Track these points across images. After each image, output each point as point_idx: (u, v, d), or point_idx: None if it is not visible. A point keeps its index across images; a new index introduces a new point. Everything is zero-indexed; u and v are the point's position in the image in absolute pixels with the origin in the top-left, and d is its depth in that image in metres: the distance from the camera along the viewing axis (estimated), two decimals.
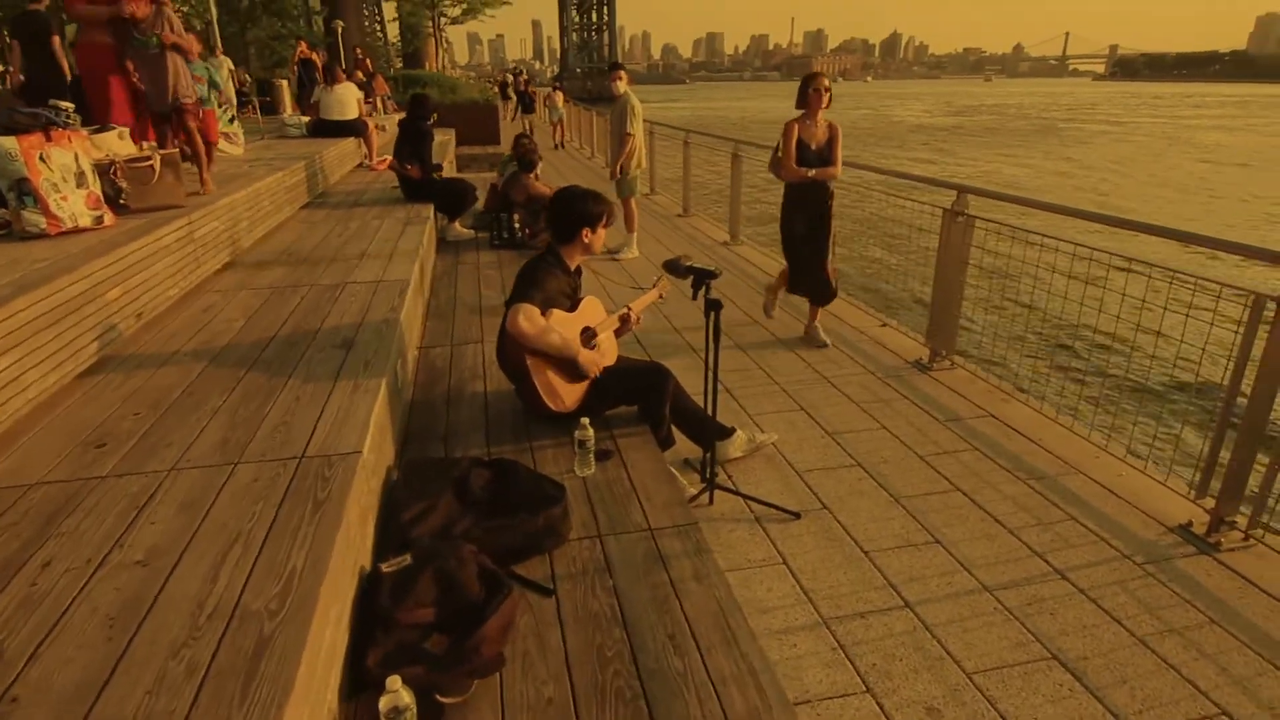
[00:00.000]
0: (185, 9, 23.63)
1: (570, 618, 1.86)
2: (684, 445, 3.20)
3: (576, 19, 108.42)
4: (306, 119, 8.63)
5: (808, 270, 4.68)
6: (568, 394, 2.75)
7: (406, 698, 1.44)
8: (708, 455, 2.98)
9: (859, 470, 3.28)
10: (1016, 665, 2.19)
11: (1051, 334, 7.12)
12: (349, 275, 3.72)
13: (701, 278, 2.73)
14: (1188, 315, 2.86)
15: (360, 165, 8.39)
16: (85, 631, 1.36)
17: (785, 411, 3.85)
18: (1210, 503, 2.83)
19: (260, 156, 6.48)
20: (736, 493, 3.04)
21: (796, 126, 4.46)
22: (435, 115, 6.18)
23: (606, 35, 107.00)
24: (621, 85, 6.57)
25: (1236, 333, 2.68)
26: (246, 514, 1.71)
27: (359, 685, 1.55)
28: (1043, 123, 48.19)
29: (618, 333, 3.08)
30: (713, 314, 2.74)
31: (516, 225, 6.01)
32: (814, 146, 4.45)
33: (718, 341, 2.78)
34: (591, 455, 2.52)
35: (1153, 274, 3.06)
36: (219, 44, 15.62)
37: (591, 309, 2.96)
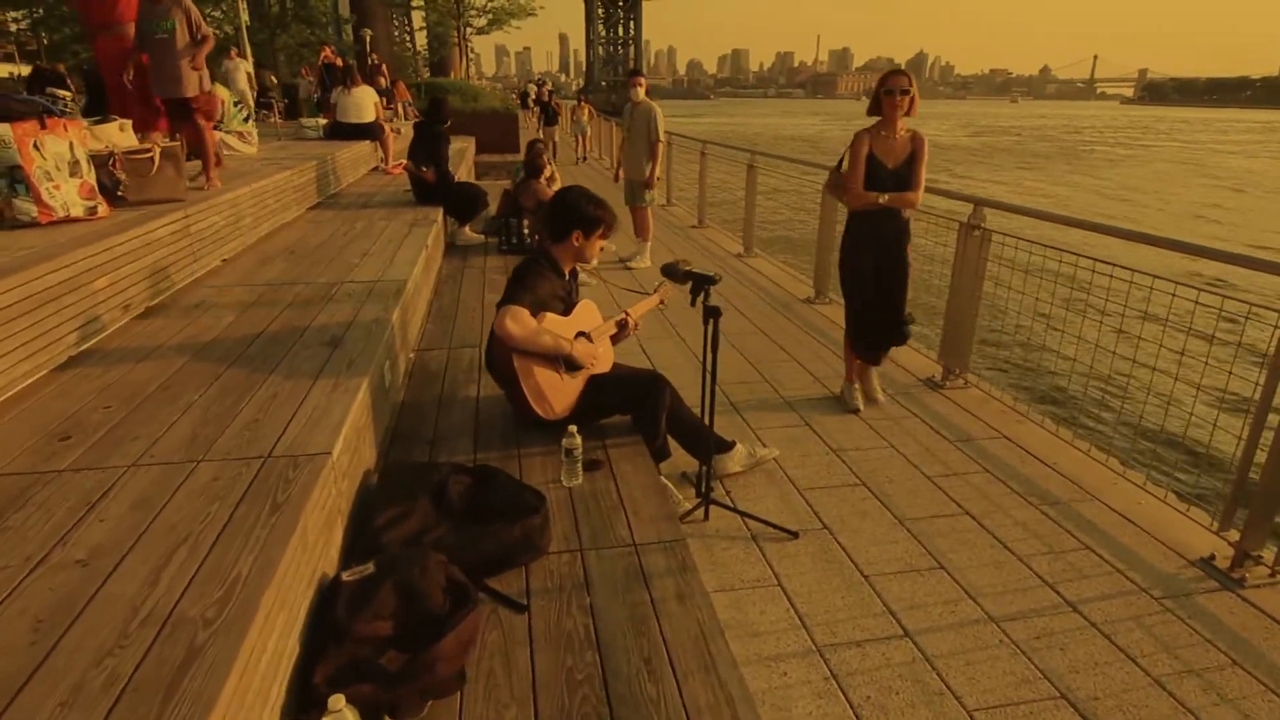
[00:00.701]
0: (217, 14, 24.03)
1: (541, 637, 1.75)
2: (682, 458, 3.09)
3: (603, 33, 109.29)
4: (324, 121, 8.66)
5: (875, 315, 3.73)
6: (557, 400, 2.65)
7: (351, 718, 1.34)
8: (704, 469, 2.86)
9: (863, 490, 3.14)
10: (1022, 704, 2.04)
11: (1069, 352, 6.92)
12: (347, 274, 3.66)
13: (700, 283, 2.62)
14: (1214, 334, 2.71)
15: (375, 169, 8.39)
16: (9, 635, 1.27)
17: (789, 427, 3.72)
18: (1235, 535, 2.66)
19: (273, 156, 6.48)
20: (733, 509, 2.92)
21: (868, 139, 3.54)
22: (451, 120, 6.14)
23: (632, 49, 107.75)
24: (641, 92, 6.51)
25: (1266, 353, 2.53)
26: (200, 514, 1.62)
27: (305, 703, 1.45)
28: (1063, 145, 47.65)
29: (615, 339, 2.98)
30: (711, 321, 2.63)
31: (526, 231, 5.94)
32: (890, 164, 3.52)
33: (716, 349, 2.67)
34: (579, 465, 2.42)
35: (1177, 291, 2.91)
36: (247, 48, 15.84)
37: (587, 313, 2.86)
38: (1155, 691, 2.08)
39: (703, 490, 2.87)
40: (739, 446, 3.20)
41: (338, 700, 1.33)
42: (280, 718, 1.40)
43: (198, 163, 4.33)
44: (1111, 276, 3.20)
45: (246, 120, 6.74)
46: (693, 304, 2.68)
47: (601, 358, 2.85)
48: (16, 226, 2.90)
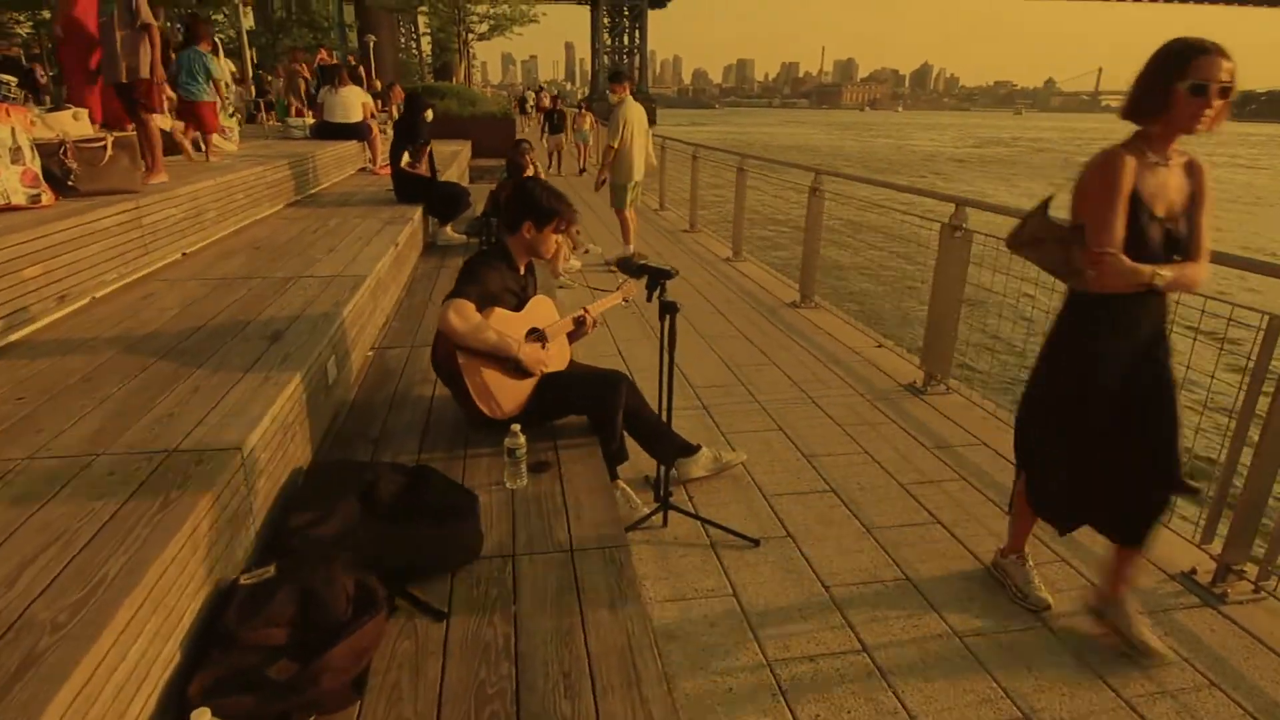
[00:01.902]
0: (219, 18, 24.11)
1: (457, 647, 1.63)
2: (645, 461, 2.97)
3: (609, 42, 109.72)
4: (312, 120, 8.59)
5: (1122, 463, 2.16)
6: (505, 399, 2.53)
7: None
8: (662, 471, 2.74)
9: (832, 496, 3.02)
10: None
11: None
12: (306, 269, 3.55)
13: (656, 277, 2.51)
14: (1194, 338, 2.59)
15: (362, 170, 8.30)
16: None
17: (762, 431, 3.59)
18: (1217, 547, 2.53)
19: (254, 153, 6.39)
20: (692, 515, 2.79)
21: (1131, 163, 1.95)
22: (430, 112, 6.05)
23: (637, 59, 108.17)
24: (616, 96, 6.43)
25: (1249, 359, 2.40)
26: (82, 511, 1.50)
27: (181, 714, 1.33)
28: (1062, 155, 47.49)
29: (573, 336, 2.87)
30: (668, 317, 2.51)
31: None
32: (1159, 210, 1.97)
33: (673, 347, 2.55)
34: (523, 466, 2.30)
35: None
36: (250, 52, 15.85)
37: (542, 310, 2.75)
38: (1126, 714, 1.95)
39: (661, 494, 2.75)
40: (704, 450, 3.08)
41: (202, 714, 1.20)
42: None
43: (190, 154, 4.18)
44: None
45: (231, 116, 6.66)
46: (649, 299, 2.56)
47: (555, 356, 2.73)
48: None
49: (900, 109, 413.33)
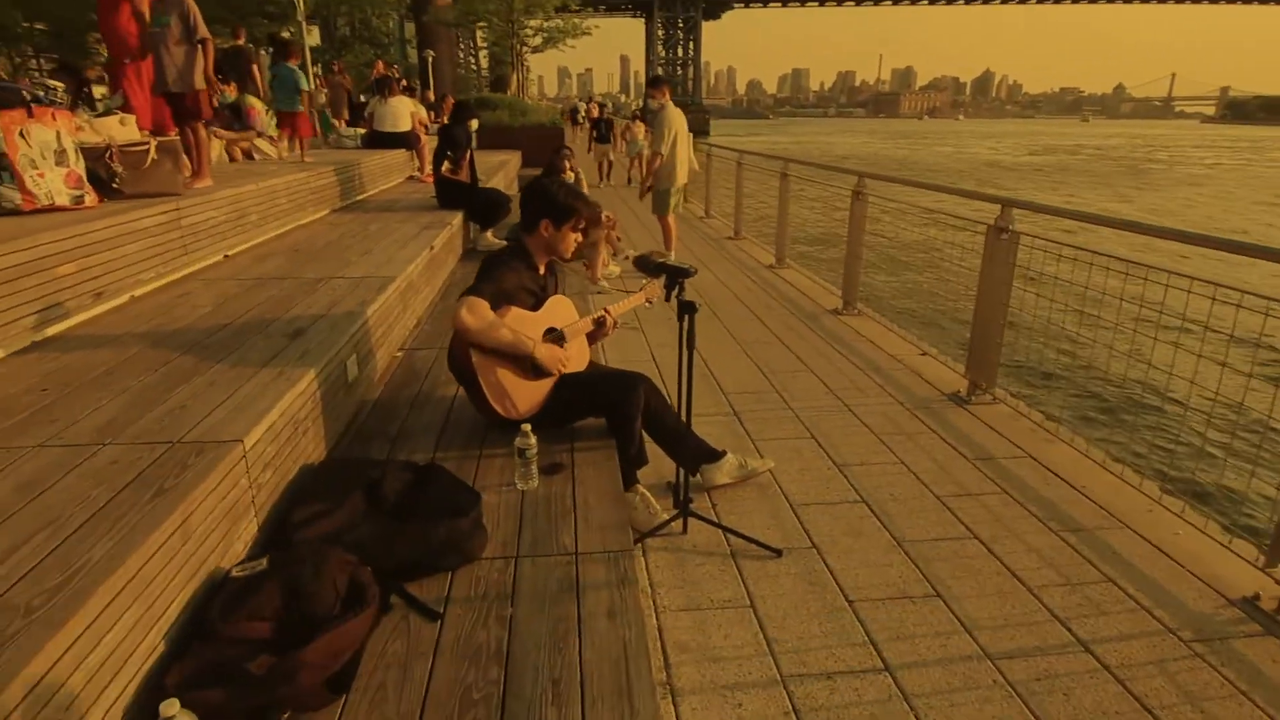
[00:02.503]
0: (286, 35, 25.10)
1: (448, 649, 1.59)
2: (668, 466, 2.90)
3: (663, 54, 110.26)
4: (363, 131, 8.80)
5: None
6: (521, 399, 2.49)
7: None
8: (681, 477, 2.66)
9: (862, 507, 2.89)
10: None
11: (1105, 366, 6.43)
12: (338, 271, 3.59)
13: (674, 276, 2.44)
14: (1258, 344, 2.39)
15: (410, 178, 8.45)
16: None
17: (793, 439, 3.48)
18: None
19: (300, 160, 6.56)
20: (713, 523, 2.70)
21: None
22: (475, 121, 6.12)
23: (691, 70, 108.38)
24: (656, 101, 6.39)
25: None
26: (80, 497, 1.51)
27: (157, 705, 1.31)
28: (1129, 164, 45.56)
29: (592, 337, 2.81)
30: (687, 317, 2.44)
31: None
32: None
33: (691, 347, 2.48)
34: (534, 466, 2.25)
35: (1218, 295, 2.59)
36: (314, 68, 16.40)
37: (561, 310, 2.70)
38: None
39: (681, 500, 2.67)
40: (729, 456, 2.99)
41: (170, 705, 1.18)
42: (123, 718, 1.27)
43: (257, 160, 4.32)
44: (1167, 285, 2.89)
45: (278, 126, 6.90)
46: (667, 298, 2.50)
47: (574, 358, 2.68)
48: (1, 214, 2.92)
49: (961, 117, 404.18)
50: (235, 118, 6.90)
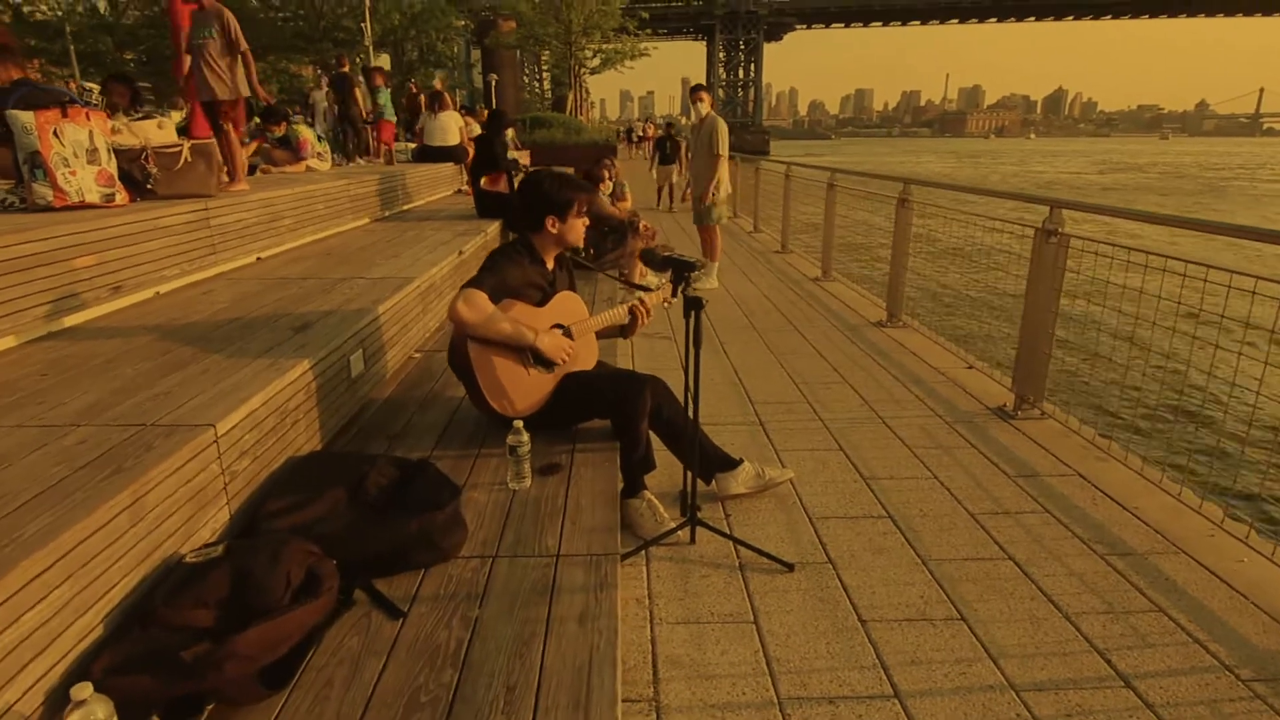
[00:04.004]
0: (358, 60, 26.14)
1: (404, 648, 1.49)
2: (680, 473, 2.77)
3: (724, 76, 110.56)
4: (414, 146, 9.01)
5: None
6: (519, 396, 2.40)
7: (100, 713, 1.13)
8: (690, 484, 2.52)
9: (887, 522, 2.70)
10: None
11: (1165, 378, 5.97)
12: (361, 272, 3.60)
13: (680, 269, 2.33)
14: None
15: (459, 191, 8.58)
16: None
17: (819, 450, 3.30)
18: None
19: (345, 171, 6.72)
20: (721, 533, 2.56)
21: None
22: (511, 130, 6.17)
23: (752, 91, 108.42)
24: (704, 106, 6.31)
25: None
26: (36, 476, 1.48)
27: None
28: (1206, 183, 43.17)
29: (626, 330, 2.71)
30: (693, 313, 2.32)
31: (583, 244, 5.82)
32: None
33: (699, 346, 2.35)
34: (526, 465, 2.16)
35: None
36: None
37: (569, 306, 2.62)
38: None
39: (689, 508, 2.53)
40: (745, 465, 2.84)
41: (83, 689, 1.12)
42: (45, 700, 1.21)
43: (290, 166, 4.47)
44: (1229, 286, 2.64)
45: (321, 140, 7.15)
46: (674, 294, 2.39)
47: (581, 356, 2.59)
48: (32, 210, 3.02)
49: (1032, 135, 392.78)
50: (287, 149, 7.18)
